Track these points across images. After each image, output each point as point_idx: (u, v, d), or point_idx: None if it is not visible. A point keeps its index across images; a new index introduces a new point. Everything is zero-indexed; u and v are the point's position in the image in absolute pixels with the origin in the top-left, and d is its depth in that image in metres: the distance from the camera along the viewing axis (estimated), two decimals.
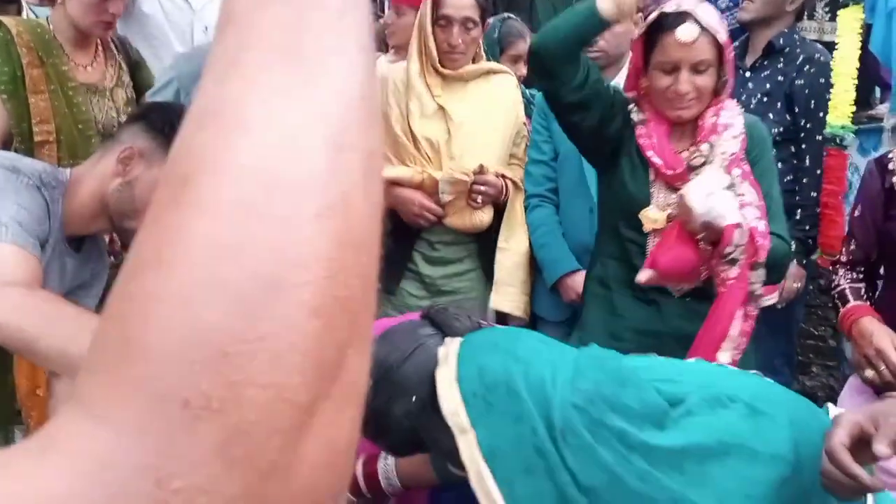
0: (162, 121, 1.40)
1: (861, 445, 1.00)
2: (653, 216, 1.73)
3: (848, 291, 1.85)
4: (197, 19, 2.69)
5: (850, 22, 2.59)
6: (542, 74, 1.80)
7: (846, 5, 2.69)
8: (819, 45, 2.53)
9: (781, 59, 2.41)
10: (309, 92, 0.29)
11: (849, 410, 1.11)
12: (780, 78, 2.39)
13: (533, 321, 2.35)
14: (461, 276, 2.26)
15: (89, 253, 1.53)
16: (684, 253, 1.62)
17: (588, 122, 1.79)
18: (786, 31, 2.43)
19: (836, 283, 1.89)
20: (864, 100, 2.95)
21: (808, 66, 2.38)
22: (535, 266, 2.31)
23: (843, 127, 2.42)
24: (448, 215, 2.19)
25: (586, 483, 0.95)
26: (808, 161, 2.40)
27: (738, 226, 1.56)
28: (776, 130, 2.31)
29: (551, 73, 1.76)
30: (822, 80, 2.39)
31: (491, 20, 2.42)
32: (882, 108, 3.06)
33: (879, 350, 1.70)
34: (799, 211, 2.38)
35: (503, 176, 2.23)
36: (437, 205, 2.17)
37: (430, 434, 1.06)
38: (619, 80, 2.22)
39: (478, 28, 2.20)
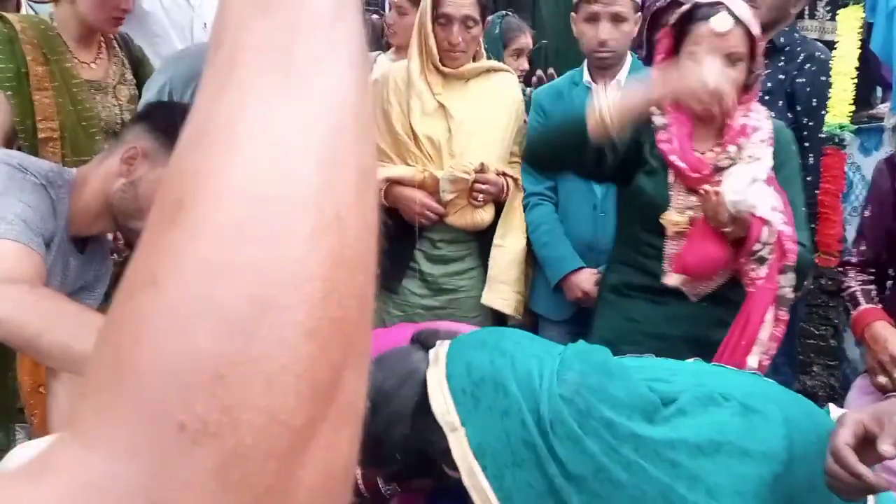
0: (165, 120, 1.40)
1: (866, 445, 1.00)
2: (674, 219, 1.70)
3: (859, 293, 1.83)
4: (196, 16, 2.70)
5: (850, 21, 2.59)
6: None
7: (846, 5, 2.69)
8: (820, 44, 2.53)
9: (782, 58, 2.41)
10: (300, 110, 0.29)
11: (853, 410, 1.11)
12: (781, 76, 2.39)
13: (534, 320, 2.35)
14: (462, 274, 2.27)
15: (93, 254, 1.53)
16: (712, 250, 1.61)
17: (625, 176, 1.78)
18: (786, 29, 2.44)
19: (846, 284, 1.87)
20: (865, 99, 2.95)
21: (809, 64, 2.38)
22: (533, 265, 2.31)
23: (841, 126, 2.42)
24: (449, 214, 2.20)
25: (574, 472, 0.96)
26: (811, 159, 2.40)
27: (765, 222, 1.54)
28: None
29: (552, 174, 1.76)
30: (824, 78, 2.39)
31: (490, 18, 2.42)
32: (883, 108, 3.06)
33: (894, 357, 1.70)
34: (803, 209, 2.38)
35: (504, 174, 2.24)
36: (439, 203, 2.18)
37: (424, 438, 1.06)
38: (621, 76, 2.24)
39: (478, 26, 2.20)
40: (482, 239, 2.26)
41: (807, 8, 2.91)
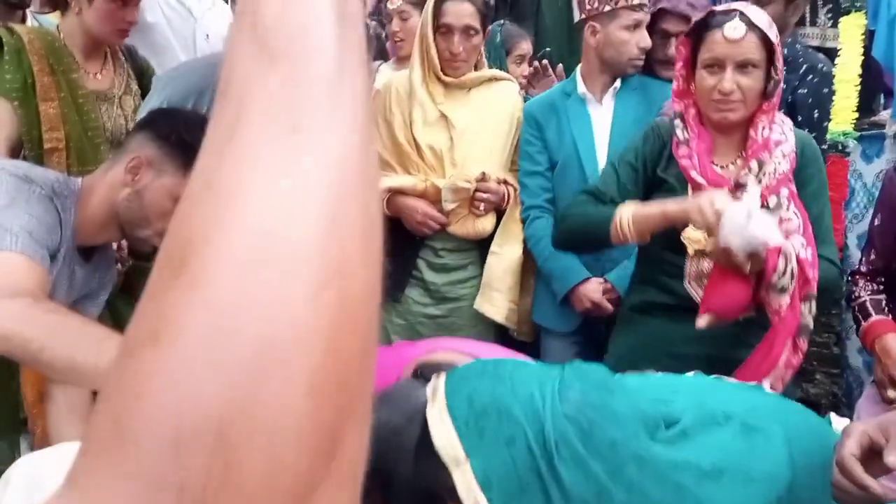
0: (168, 128, 1.41)
1: (872, 456, 0.99)
2: (695, 237, 1.68)
3: (869, 304, 1.81)
4: (199, 27, 2.72)
5: (852, 29, 2.60)
6: None
7: (848, 11, 2.69)
8: (821, 56, 2.53)
9: (784, 69, 2.41)
10: (304, 165, 0.29)
11: (858, 422, 1.10)
12: (782, 86, 2.39)
13: (538, 333, 2.34)
14: (465, 282, 2.27)
15: (98, 263, 1.54)
16: (734, 290, 1.57)
17: (646, 197, 1.78)
18: (788, 40, 2.44)
19: (856, 294, 1.85)
20: (867, 106, 2.95)
21: (811, 76, 2.38)
22: (534, 276, 2.30)
23: (844, 133, 2.42)
24: (451, 223, 2.21)
25: (576, 495, 0.95)
26: None
27: (780, 250, 1.50)
28: None
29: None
30: (826, 90, 2.39)
31: (490, 27, 2.43)
32: (885, 115, 3.05)
33: None
34: None
35: (505, 182, 2.24)
36: (441, 213, 2.19)
37: (429, 476, 1.05)
38: (616, 84, 2.22)
39: (479, 35, 2.22)
40: (484, 247, 2.27)
41: (808, 15, 2.92)
